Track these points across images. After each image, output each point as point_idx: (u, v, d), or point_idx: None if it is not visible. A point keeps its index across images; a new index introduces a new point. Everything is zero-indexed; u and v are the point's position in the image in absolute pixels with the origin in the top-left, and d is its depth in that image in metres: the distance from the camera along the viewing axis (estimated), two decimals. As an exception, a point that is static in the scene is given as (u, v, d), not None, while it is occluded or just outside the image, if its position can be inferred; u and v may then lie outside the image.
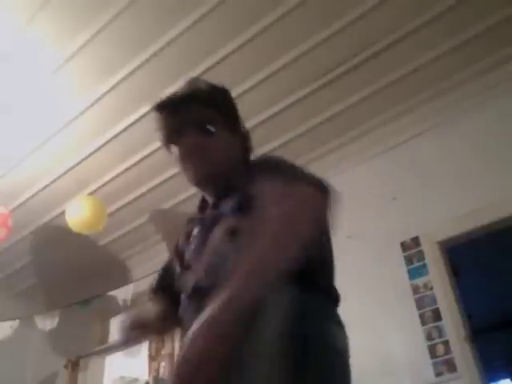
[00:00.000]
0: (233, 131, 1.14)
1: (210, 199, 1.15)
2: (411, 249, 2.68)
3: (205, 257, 0.98)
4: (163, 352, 3.49)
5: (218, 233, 0.99)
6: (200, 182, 1.12)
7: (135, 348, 3.96)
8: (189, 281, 1.00)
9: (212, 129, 1.09)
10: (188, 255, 1.09)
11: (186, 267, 1.07)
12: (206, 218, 1.09)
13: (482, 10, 2.40)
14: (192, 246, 1.09)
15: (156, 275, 1.31)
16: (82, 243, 3.67)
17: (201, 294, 0.87)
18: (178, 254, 1.16)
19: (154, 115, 1.14)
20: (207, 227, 1.04)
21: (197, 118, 1.09)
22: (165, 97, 1.12)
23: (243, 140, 1.18)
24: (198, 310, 0.75)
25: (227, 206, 1.02)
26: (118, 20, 2.33)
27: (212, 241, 0.99)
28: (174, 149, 1.11)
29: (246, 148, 1.18)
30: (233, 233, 0.95)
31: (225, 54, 2.53)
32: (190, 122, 1.08)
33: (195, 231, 1.12)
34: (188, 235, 1.15)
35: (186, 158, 1.09)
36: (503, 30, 2.50)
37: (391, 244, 2.72)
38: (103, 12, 2.30)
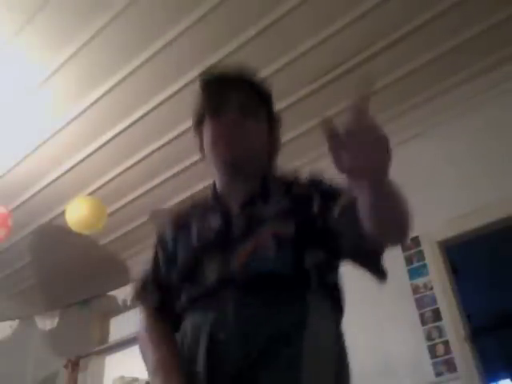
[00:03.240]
0: (270, 129, 1.14)
1: (229, 188, 1.08)
2: (411, 249, 2.68)
3: (247, 254, 0.94)
4: (163, 352, 3.48)
5: (267, 235, 0.96)
6: (234, 161, 1.05)
7: (135, 348, 3.97)
8: (229, 268, 0.93)
9: (255, 114, 1.08)
10: (208, 243, 1.00)
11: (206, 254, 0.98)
12: (243, 214, 1.01)
13: (482, 9, 2.40)
14: (211, 235, 1.00)
15: (147, 282, 1.15)
16: (82, 243, 3.67)
17: (259, 284, 0.90)
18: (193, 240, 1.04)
19: (201, 85, 1.12)
20: (247, 224, 0.99)
21: (245, 99, 1.08)
22: (215, 70, 1.14)
23: (275, 142, 1.17)
24: (270, 300, 0.87)
25: (274, 207, 1.01)
26: (113, 24, 2.34)
27: (264, 239, 0.95)
28: (210, 124, 1.07)
29: (273, 153, 1.17)
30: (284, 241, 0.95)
31: (224, 55, 2.53)
32: (237, 101, 1.07)
33: (216, 221, 1.03)
34: (202, 223, 1.05)
35: (225, 134, 1.04)
36: (503, 30, 2.50)
37: (391, 244, 2.72)
38: (95, 18, 2.31)
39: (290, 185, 1.08)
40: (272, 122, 1.15)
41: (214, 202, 1.08)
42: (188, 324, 0.95)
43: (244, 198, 1.04)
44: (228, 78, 1.12)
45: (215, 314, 0.90)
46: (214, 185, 1.12)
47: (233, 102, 1.07)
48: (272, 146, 1.15)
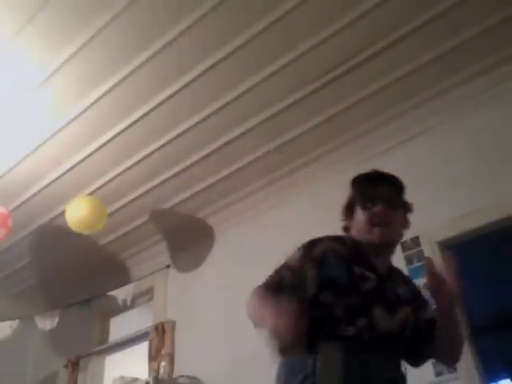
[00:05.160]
0: (404, 213, 1.48)
1: (374, 256, 1.40)
2: (411, 249, 2.68)
3: (401, 321, 1.33)
4: (163, 352, 3.49)
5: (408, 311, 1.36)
6: (384, 242, 1.39)
7: (135, 348, 3.97)
8: (386, 323, 1.29)
9: (396, 205, 1.44)
10: (371, 292, 1.31)
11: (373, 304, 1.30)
12: (389, 287, 1.38)
13: (482, 9, 2.40)
14: (371, 287, 1.32)
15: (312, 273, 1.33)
16: (82, 243, 3.67)
17: (392, 342, 1.29)
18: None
19: (355, 180, 1.50)
20: (394, 294, 1.37)
21: (389, 193, 1.44)
22: (365, 173, 1.50)
23: (407, 225, 1.49)
24: (390, 353, 1.30)
25: (403, 290, 1.41)
26: (113, 24, 2.33)
27: (406, 314, 1.35)
28: (364, 212, 1.40)
29: (404, 232, 1.49)
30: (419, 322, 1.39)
31: (224, 55, 2.53)
32: (384, 195, 1.42)
33: (373, 278, 1.35)
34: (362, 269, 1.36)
35: (377, 222, 1.38)
36: (503, 30, 2.50)
37: (391, 244, 2.72)
38: (95, 18, 2.31)
39: (407, 279, 1.52)
40: (405, 208, 1.49)
41: (365, 258, 1.38)
42: (365, 358, 1.23)
43: (386, 270, 1.41)
44: (374, 178, 1.48)
45: (385, 359, 1.27)
46: (361, 244, 1.41)
47: (381, 196, 1.41)
48: (405, 227, 1.48)
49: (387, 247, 1.43)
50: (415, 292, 1.48)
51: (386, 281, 1.38)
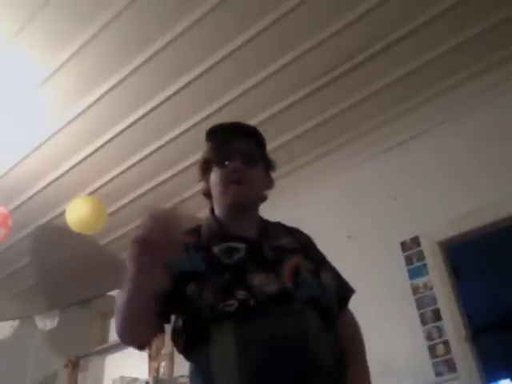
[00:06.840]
0: (265, 171, 1.32)
1: (236, 223, 1.25)
2: (411, 249, 2.68)
3: (290, 275, 1.15)
4: (163, 352, 3.49)
5: (298, 262, 1.19)
6: (239, 203, 1.23)
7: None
8: (267, 287, 1.11)
9: (255, 161, 1.27)
10: (243, 260, 1.16)
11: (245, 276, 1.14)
12: (266, 247, 1.21)
13: (482, 9, 2.40)
14: (242, 255, 1.17)
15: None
16: (82, 243, 3.67)
17: (290, 302, 1.10)
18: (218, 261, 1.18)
19: (207, 137, 1.33)
20: (272, 254, 1.19)
21: (246, 149, 1.27)
22: (221, 125, 1.32)
23: (269, 184, 1.34)
24: (291, 313, 1.07)
25: (287, 241, 1.25)
26: (112, 24, 2.34)
27: (295, 263, 1.18)
28: (218, 173, 1.25)
29: (267, 191, 1.34)
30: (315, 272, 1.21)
31: (224, 55, 2.53)
32: (240, 152, 1.25)
33: (241, 245, 1.19)
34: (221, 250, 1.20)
35: (232, 181, 1.22)
36: (503, 30, 2.50)
37: (391, 244, 2.72)
38: (95, 19, 2.31)
39: (291, 230, 1.33)
40: (267, 165, 1.33)
41: (225, 232, 1.24)
42: (256, 327, 1.06)
43: (257, 231, 1.25)
44: (230, 130, 1.30)
45: (286, 320, 1.07)
46: (218, 218, 1.28)
47: (237, 153, 1.24)
48: (266, 186, 1.33)
49: (248, 208, 1.27)
50: (305, 244, 1.30)
51: (259, 243, 1.21)
